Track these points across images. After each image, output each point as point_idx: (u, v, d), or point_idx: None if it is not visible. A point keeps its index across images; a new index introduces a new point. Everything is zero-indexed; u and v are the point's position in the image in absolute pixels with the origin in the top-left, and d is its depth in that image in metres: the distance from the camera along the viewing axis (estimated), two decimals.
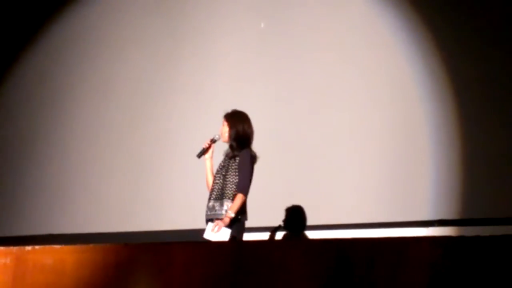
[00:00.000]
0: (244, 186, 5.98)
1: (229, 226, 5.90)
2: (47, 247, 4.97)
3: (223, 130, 6.15)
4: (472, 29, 7.06)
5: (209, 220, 6.03)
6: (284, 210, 6.98)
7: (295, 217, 6.97)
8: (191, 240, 7.09)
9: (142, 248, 4.79)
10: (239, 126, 6.11)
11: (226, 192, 6.02)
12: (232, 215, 5.91)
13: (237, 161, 6.06)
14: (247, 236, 6.11)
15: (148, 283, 4.67)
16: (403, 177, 7.13)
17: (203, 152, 6.21)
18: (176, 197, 8.29)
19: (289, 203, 7.02)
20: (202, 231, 7.48)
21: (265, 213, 6.83)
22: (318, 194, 7.30)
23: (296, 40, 7.90)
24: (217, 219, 5.94)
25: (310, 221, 7.02)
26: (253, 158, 6.07)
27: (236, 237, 5.90)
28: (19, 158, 9.52)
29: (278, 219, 6.92)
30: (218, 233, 5.86)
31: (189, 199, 7.98)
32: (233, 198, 5.98)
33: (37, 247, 4.98)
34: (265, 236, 6.88)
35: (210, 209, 6.06)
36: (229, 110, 6.23)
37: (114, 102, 9.01)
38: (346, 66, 7.59)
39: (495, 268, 3.96)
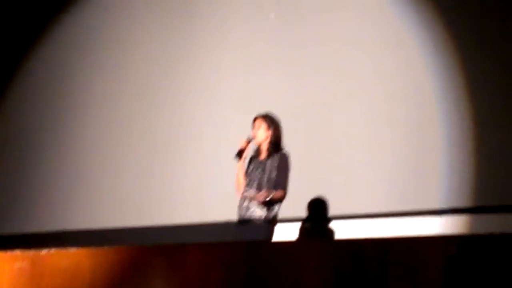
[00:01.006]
0: (284, 186, 6.11)
1: (265, 226, 6.00)
2: (63, 250, 4.99)
3: (259, 132, 6.24)
4: (485, 24, 7.03)
5: (243, 220, 6.11)
6: (308, 202, 7.02)
7: (318, 208, 7.01)
8: (203, 237, 7.17)
9: (156, 250, 4.82)
10: (278, 130, 6.26)
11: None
12: (272, 193, 6.02)
13: (274, 162, 6.16)
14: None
15: (163, 284, 4.70)
16: (415, 166, 7.12)
17: (241, 152, 6.25)
18: (189, 192, 8.31)
19: (304, 195, 7.05)
20: (215, 225, 7.56)
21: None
22: (330, 186, 7.30)
23: (307, 31, 7.88)
24: (253, 219, 6.05)
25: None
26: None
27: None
28: (31, 154, 9.55)
29: (296, 210, 6.96)
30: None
31: (202, 193, 8.02)
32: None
33: (53, 250, 5.01)
34: (293, 226, 6.92)
35: (245, 209, 6.12)
36: (262, 112, 6.34)
37: (127, 96, 9.01)
38: (358, 58, 7.56)
39: (508, 265, 3.96)
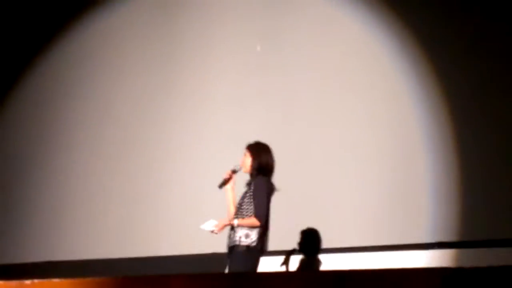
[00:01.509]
0: (259, 213, 6.05)
1: (242, 253, 5.97)
2: (46, 281, 4.93)
3: (245, 161, 6.25)
4: (462, 38, 7.10)
5: (229, 247, 6.08)
6: (299, 233, 6.99)
7: (309, 240, 6.98)
8: (189, 269, 7.12)
9: (140, 281, 4.77)
10: (263, 157, 6.23)
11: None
12: (234, 222, 6.04)
13: (252, 189, 6.11)
14: (262, 261, 6.15)
15: None
16: (401, 200, 7.13)
17: (224, 182, 6.27)
18: (173, 223, 8.28)
19: (291, 228, 7.03)
20: (199, 256, 7.52)
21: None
22: (318, 219, 7.28)
23: (293, 62, 7.92)
24: (234, 246, 5.99)
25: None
26: (269, 186, 6.13)
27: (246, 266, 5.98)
28: (15, 184, 9.50)
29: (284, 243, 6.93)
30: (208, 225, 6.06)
31: (186, 224, 7.98)
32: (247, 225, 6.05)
33: (36, 281, 4.95)
34: (279, 259, 6.89)
35: (228, 237, 6.10)
36: (251, 141, 6.37)
37: (112, 128, 9.00)
38: (343, 88, 7.61)
39: None
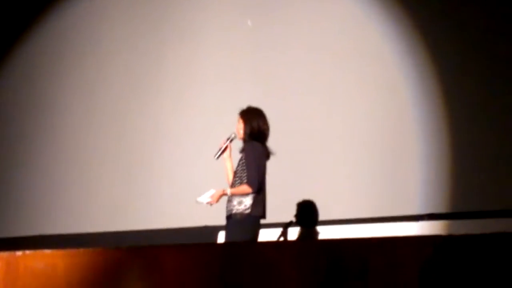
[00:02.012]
0: (250, 179, 5.98)
1: (237, 222, 5.95)
2: (38, 251, 4.95)
3: (239, 127, 6.17)
4: (460, 28, 7.10)
5: (226, 217, 6.05)
6: (296, 205, 6.99)
7: (306, 212, 6.97)
8: (181, 242, 7.13)
9: (132, 252, 4.79)
10: (254, 122, 6.13)
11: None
12: (227, 191, 6.01)
13: (243, 155, 6.10)
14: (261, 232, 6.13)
15: (139, 286, 4.67)
16: (393, 172, 7.17)
17: (221, 152, 6.21)
18: (166, 196, 8.29)
19: (285, 201, 7.04)
20: (192, 229, 7.54)
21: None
22: (312, 190, 7.30)
23: (284, 38, 7.91)
24: (230, 215, 5.99)
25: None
26: (260, 150, 6.07)
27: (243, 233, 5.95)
28: (8, 159, 9.49)
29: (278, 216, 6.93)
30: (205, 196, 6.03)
31: (179, 197, 7.99)
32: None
33: (28, 251, 4.96)
34: (277, 232, 6.90)
35: (226, 207, 6.08)
36: (244, 107, 6.25)
37: (103, 102, 8.99)
38: (334, 64, 7.61)
39: (483, 266, 3.99)
